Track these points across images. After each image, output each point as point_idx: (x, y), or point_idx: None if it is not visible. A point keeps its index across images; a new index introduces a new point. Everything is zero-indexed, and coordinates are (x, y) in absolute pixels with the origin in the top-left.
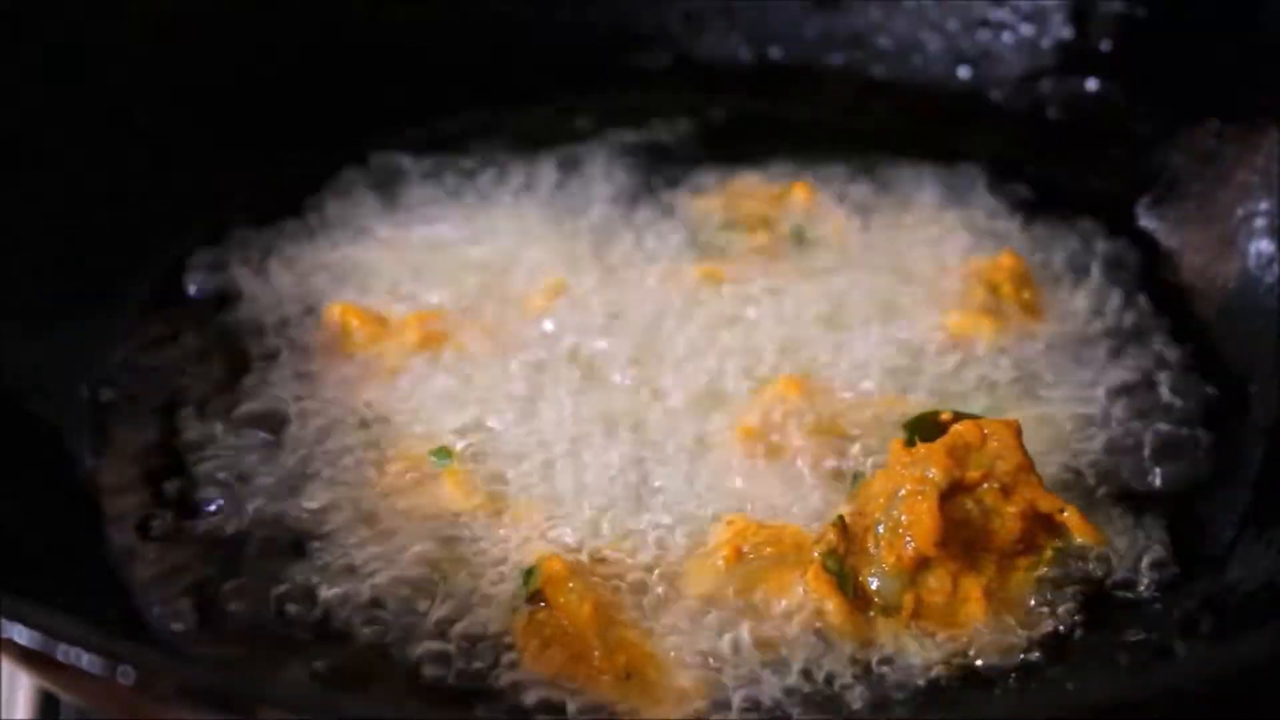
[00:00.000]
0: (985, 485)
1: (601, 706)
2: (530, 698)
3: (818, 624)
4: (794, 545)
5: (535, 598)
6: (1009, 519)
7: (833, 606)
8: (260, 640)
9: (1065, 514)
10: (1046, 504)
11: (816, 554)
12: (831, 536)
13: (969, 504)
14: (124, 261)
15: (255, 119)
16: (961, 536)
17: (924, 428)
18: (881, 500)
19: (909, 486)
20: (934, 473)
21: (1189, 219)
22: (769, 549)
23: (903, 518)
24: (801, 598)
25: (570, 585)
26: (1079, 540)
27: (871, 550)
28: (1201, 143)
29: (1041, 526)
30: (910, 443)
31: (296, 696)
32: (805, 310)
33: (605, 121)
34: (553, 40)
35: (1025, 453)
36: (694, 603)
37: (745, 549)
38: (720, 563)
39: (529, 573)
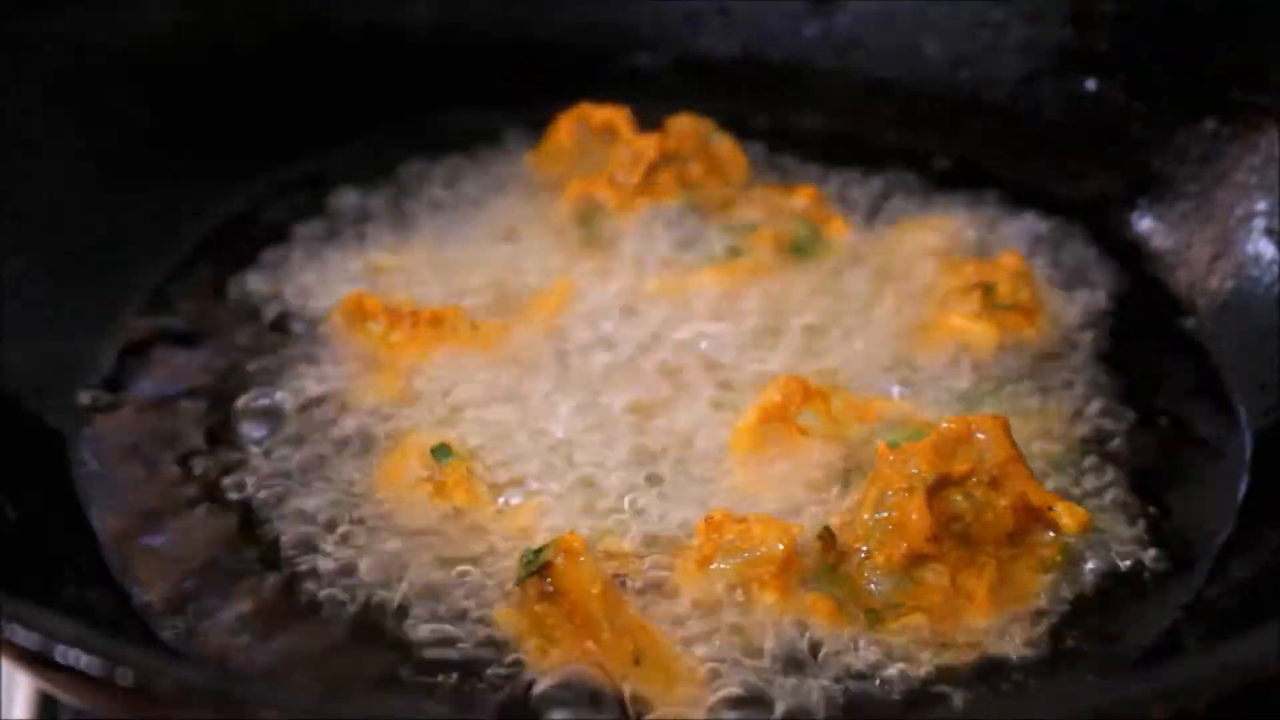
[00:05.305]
0: (974, 478)
1: (611, 696)
2: (536, 690)
3: (810, 625)
4: (763, 539)
5: (543, 571)
6: (1001, 512)
7: (823, 612)
8: (260, 640)
9: (1057, 507)
10: (1037, 497)
11: (802, 552)
12: (819, 548)
13: (958, 498)
14: (126, 262)
15: (259, 118)
16: (954, 531)
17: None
18: (870, 502)
19: (896, 485)
20: (919, 469)
21: (1187, 219)
22: (742, 544)
23: (892, 515)
24: (786, 599)
25: (582, 559)
26: (1071, 533)
27: (863, 553)
28: (1200, 143)
29: (1035, 519)
30: (894, 444)
31: (296, 697)
32: (806, 311)
33: None
34: (554, 40)
35: (1014, 445)
36: (686, 600)
37: (723, 544)
38: (701, 560)
39: (538, 551)
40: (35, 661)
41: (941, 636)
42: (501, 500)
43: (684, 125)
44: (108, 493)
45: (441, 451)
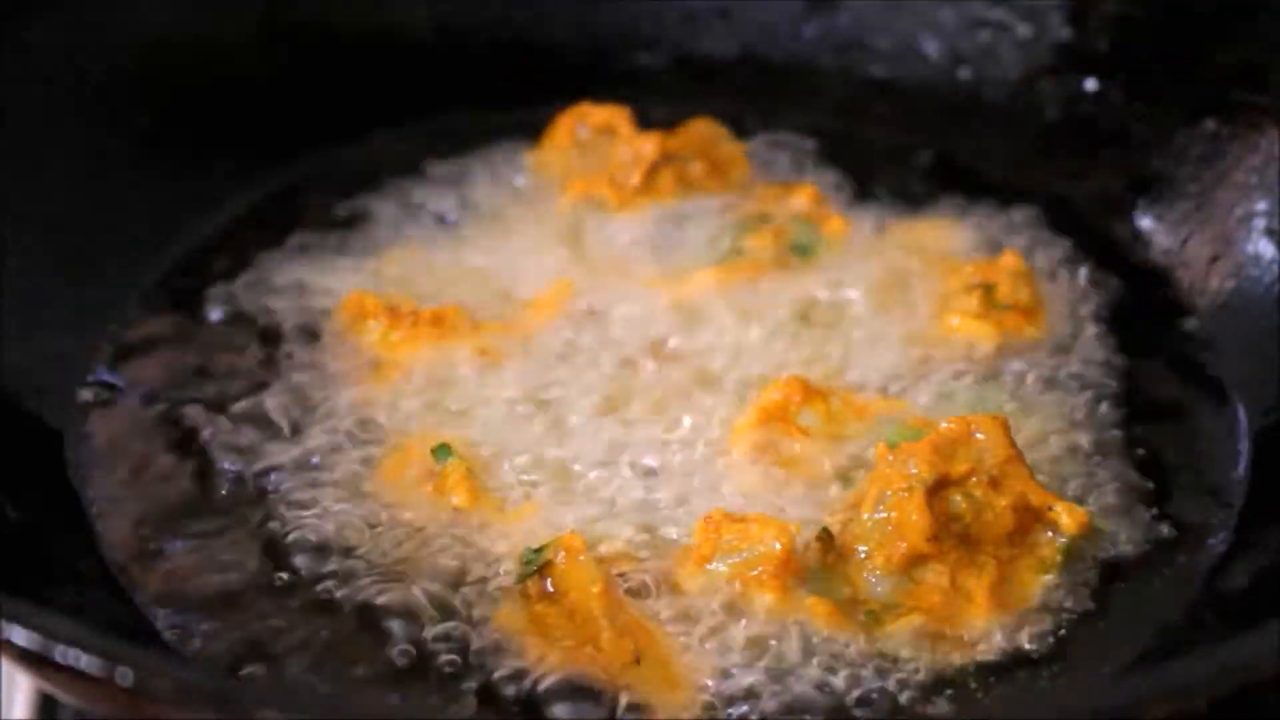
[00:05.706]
0: (974, 478)
1: (611, 696)
2: (536, 690)
3: (809, 625)
4: (761, 538)
5: (543, 570)
6: (1001, 512)
7: (822, 612)
8: (260, 640)
9: (1056, 507)
10: (1037, 497)
11: (801, 552)
12: (818, 548)
13: (958, 498)
14: (125, 261)
15: (259, 119)
16: (954, 531)
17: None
18: (869, 502)
19: (896, 485)
20: (919, 469)
21: (1187, 219)
22: (741, 544)
23: (892, 515)
24: (785, 598)
25: (582, 559)
26: (1071, 533)
27: (863, 553)
28: (1200, 143)
29: (1035, 519)
30: (894, 444)
31: (296, 697)
32: (806, 311)
33: None
34: (554, 40)
35: (1014, 445)
36: (686, 600)
37: (721, 543)
38: (700, 559)
39: (539, 550)
40: (35, 661)
41: (941, 637)
42: (502, 499)
43: (699, 130)
44: (107, 493)
45: (442, 451)
